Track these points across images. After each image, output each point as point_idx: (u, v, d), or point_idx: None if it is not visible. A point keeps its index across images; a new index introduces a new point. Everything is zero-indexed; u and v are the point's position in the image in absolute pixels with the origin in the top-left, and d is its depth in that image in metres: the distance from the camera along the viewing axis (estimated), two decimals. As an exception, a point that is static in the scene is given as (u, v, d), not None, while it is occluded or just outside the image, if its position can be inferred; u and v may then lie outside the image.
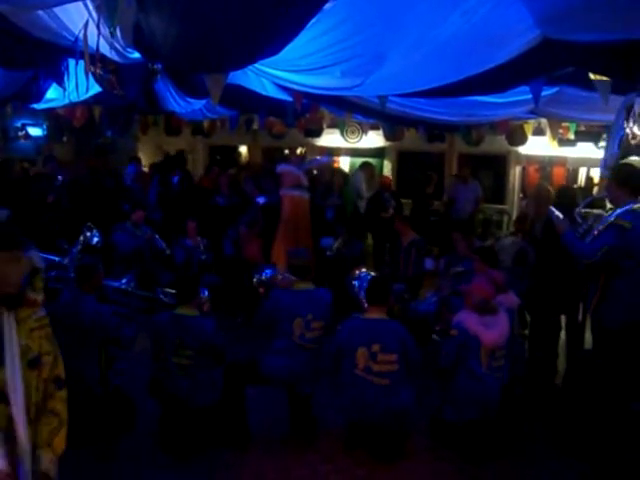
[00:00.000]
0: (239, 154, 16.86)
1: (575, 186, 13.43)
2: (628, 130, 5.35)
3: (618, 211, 5.01)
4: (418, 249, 7.99)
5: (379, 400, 4.79)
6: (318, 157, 12.95)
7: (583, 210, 5.39)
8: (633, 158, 5.50)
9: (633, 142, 5.34)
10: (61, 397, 2.80)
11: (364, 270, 7.35)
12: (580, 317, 6.74)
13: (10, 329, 2.60)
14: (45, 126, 13.57)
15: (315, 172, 11.96)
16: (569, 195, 6.94)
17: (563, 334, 6.92)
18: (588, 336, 6.22)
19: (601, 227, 4.99)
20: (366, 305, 5.37)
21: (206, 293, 6.13)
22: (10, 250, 2.64)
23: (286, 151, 15.65)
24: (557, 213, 5.30)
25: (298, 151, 15.69)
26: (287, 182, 8.57)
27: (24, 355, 2.62)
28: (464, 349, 4.96)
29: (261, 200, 9.04)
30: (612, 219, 4.97)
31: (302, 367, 5.13)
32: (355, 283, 7.12)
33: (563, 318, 6.94)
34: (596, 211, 5.65)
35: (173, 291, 5.79)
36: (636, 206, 4.93)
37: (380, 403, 4.79)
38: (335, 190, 10.79)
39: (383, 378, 4.79)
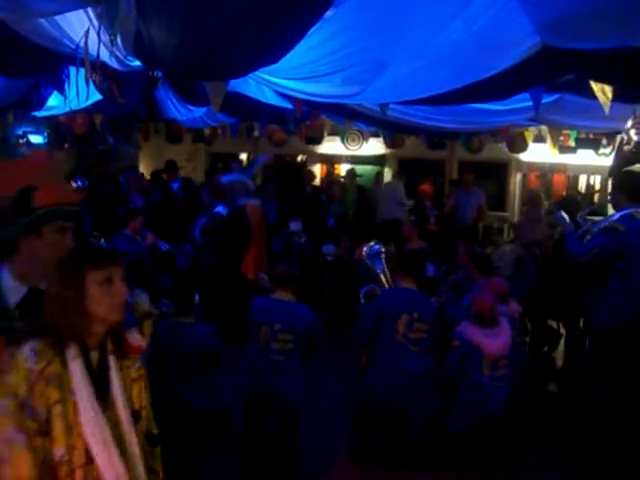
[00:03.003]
0: (240, 162, 16.89)
1: (577, 193, 13.47)
2: (625, 136, 5.40)
3: (615, 216, 5.09)
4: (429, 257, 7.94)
5: (411, 365, 4.94)
6: (259, 157, 12.68)
7: (584, 215, 5.50)
8: (638, 166, 5.53)
9: (627, 147, 5.39)
10: (157, 454, 2.45)
11: (371, 243, 7.27)
12: (581, 324, 6.76)
13: (116, 373, 2.22)
14: (46, 134, 13.57)
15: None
16: (574, 203, 7.04)
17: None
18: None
19: (596, 230, 5.10)
20: (395, 275, 5.44)
21: (197, 297, 6.08)
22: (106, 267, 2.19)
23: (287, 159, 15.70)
24: (564, 215, 5.41)
25: (299, 159, 15.71)
26: (239, 191, 8.30)
27: (126, 407, 2.25)
28: (466, 359, 4.96)
29: (222, 210, 8.54)
30: (606, 223, 5.09)
31: (269, 380, 4.86)
32: (367, 261, 7.04)
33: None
34: (597, 218, 5.71)
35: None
36: (632, 211, 4.98)
37: (412, 368, 4.94)
38: (335, 199, 10.81)
39: (415, 345, 4.97)
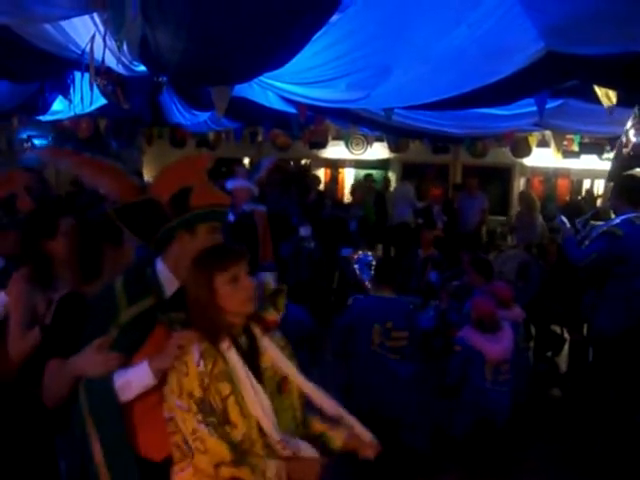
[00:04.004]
0: (244, 166, 16.89)
1: (579, 198, 13.46)
2: (624, 137, 5.38)
3: (615, 220, 5.08)
4: (434, 263, 7.93)
5: (393, 374, 4.88)
6: (263, 161, 12.67)
7: (584, 220, 5.49)
8: (638, 170, 5.53)
9: (625, 150, 5.37)
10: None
11: (361, 252, 7.30)
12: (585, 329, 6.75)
13: (265, 343, 2.40)
14: (50, 138, 13.61)
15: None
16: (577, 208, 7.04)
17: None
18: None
19: (595, 235, 5.08)
20: (372, 284, 5.38)
21: None
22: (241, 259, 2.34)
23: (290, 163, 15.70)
24: (564, 220, 5.39)
25: (302, 163, 15.72)
26: (243, 197, 8.20)
27: (272, 378, 2.39)
28: (468, 364, 4.95)
29: (229, 216, 8.47)
30: (605, 228, 5.06)
31: None
32: (356, 266, 7.09)
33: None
34: (599, 222, 5.70)
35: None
36: (632, 216, 4.97)
37: (394, 376, 4.87)
38: (357, 202, 10.84)
39: (395, 353, 4.90)
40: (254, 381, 2.28)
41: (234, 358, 2.27)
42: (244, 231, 7.74)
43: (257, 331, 2.41)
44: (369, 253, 7.22)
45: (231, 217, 8.14)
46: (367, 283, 6.66)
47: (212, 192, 2.52)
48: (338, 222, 9.56)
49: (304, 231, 8.85)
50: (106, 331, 2.30)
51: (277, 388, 2.39)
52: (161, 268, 2.47)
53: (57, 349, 2.46)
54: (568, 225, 5.37)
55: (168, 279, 2.45)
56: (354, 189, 12.36)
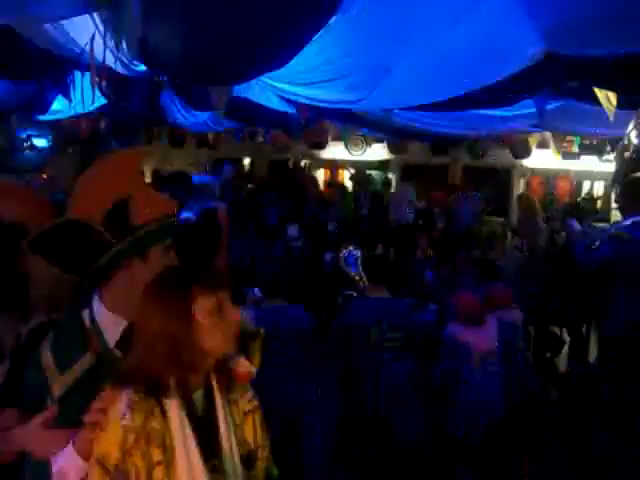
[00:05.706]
0: (242, 166, 16.87)
1: (579, 199, 13.47)
2: (625, 140, 5.39)
3: (623, 223, 5.08)
4: (431, 264, 7.93)
5: (388, 373, 4.90)
6: (226, 167, 12.59)
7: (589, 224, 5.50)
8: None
9: (627, 154, 5.38)
10: None
11: (350, 248, 7.30)
12: (584, 330, 6.75)
13: (223, 412, 1.82)
14: (50, 137, 13.59)
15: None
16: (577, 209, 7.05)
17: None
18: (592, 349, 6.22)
19: (603, 239, 5.08)
20: (367, 285, 5.41)
21: None
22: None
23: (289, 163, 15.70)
24: (573, 223, 5.40)
25: (302, 163, 15.70)
26: (207, 193, 8.00)
27: (238, 448, 1.85)
28: (456, 359, 4.96)
29: (191, 216, 7.46)
30: (612, 232, 5.05)
31: (270, 386, 4.65)
32: (343, 263, 7.09)
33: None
34: (602, 224, 5.71)
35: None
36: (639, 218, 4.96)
37: (389, 376, 4.90)
38: (334, 202, 10.80)
39: (390, 352, 4.93)
40: (196, 455, 1.73)
41: (177, 417, 1.73)
42: (209, 233, 7.21)
43: (217, 386, 1.85)
44: (351, 248, 7.20)
45: (192, 216, 7.66)
46: (357, 277, 6.67)
47: (157, 200, 1.98)
48: (318, 223, 9.57)
49: (291, 231, 8.91)
50: (45, 403, 1.88)
51: (247, 457, 1.88)
52: (100, 310, 1.95)
53: (14, 397, 2.01)
54: (577, 228, 5.37)
55: (111, 323, 1.93)
56: (328, 188, 12.11)
